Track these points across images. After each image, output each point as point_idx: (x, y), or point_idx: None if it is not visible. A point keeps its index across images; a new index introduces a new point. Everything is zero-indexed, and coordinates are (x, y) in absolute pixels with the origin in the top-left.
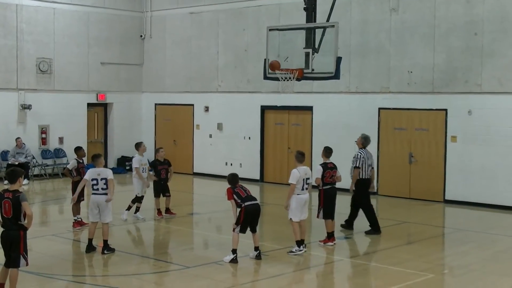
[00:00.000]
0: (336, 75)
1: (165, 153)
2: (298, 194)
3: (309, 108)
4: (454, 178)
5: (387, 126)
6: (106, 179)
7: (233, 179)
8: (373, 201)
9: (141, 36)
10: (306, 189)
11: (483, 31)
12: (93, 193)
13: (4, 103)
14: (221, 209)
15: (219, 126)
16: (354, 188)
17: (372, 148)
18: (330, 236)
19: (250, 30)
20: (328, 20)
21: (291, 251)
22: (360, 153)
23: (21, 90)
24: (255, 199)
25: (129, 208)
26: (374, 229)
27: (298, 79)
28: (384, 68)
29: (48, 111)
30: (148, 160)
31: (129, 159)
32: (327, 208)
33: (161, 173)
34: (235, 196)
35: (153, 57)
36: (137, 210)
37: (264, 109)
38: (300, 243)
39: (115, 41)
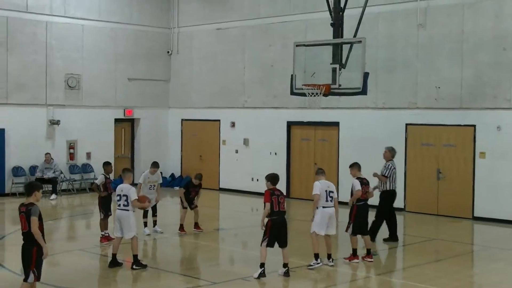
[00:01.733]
0: (363, 91)
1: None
2: (323, 207)
3: (336, 124)
4: (483, 194)
5: (414, 142)
6: (127, 196)
7: (273, 178)
8: (401, 217)
9: (168, 52)
10: (331, 201)
11: None
12: (117, 208)
13: (33, 119)
14: (248, 224)
15: (245, 142)
16: (377, 190)
17: (399, 164)
18: (355, 253)
19: (277, 46)
20: (355, 35)
21: (310, 265)
22: (391, 164)
23: (50, 105)
24: (284, 213)
25: (145, 224)
26: (392, 238)
27: (325, 95)
28: (411, 84)
29: (76, 127)
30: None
31: None
32: (357, 224)
33: (191, 194)
34: (272, 200)
35: (180, 73)
36: (145, 225)
37: (290, 124)
38: (317, 256)
39: (142, 57)
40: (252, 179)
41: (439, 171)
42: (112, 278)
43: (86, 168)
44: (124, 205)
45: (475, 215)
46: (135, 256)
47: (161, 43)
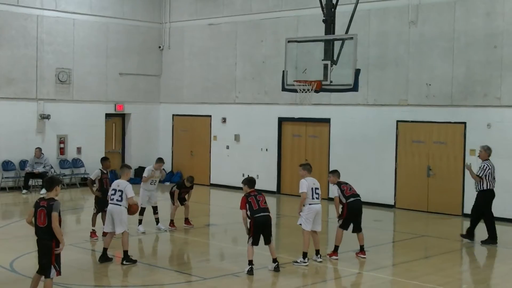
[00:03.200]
0: (354, 87)
1: (191, 184)
2: (310, 204)
3: (327, 120)
4: (473, 192)
5: (405, 139)
6: (122, 191)
7: (249, 182)
8: (391, 214)
9: (160, 47)
10: (317, 198)
11: (503, 44)
12: (109, 203)
13: (23, 113)
14: (238, 220)
15: (236, 138)
16: None
17: (389, 161)
18: (336, 250)
19: (268, 42)
20: (347, 32)
21: (296, 261)
22: (486, 164)
23: (40, 100)
24: (266, 210)
25: (140, 221)
26: (492, 238)
27: (316, 91)
28: (402, 81)
29: (66, 121)
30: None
31: None
32: (347, 219)
33: (182, 194)
34: (247, 206)
35: (171, 68)
36: (139, 222)
37: (281, 120)
38: (306, 255)
39: (134, 51)
40: (243, 175)
41: (429, 168)
42: (103, 273)
43: (77, 163)
44: (117, 200)
45: (464, 212)
46: (125, 252)
47: (153, 38)
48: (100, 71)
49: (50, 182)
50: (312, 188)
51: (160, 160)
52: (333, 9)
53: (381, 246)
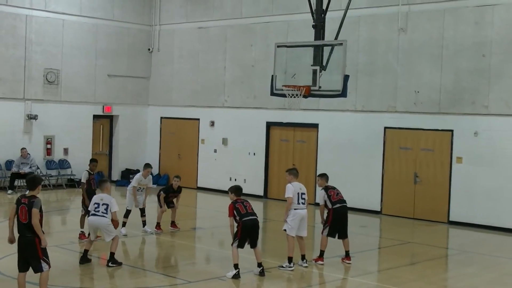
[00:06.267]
0: (343, 93)
1: (179, 181)
2: (295, 209)
3: (315, 126)
4: (459, 199)
5: (392, 146)
6: (107, 205)
7: (237, 190)
8: (377, 220)
9: (149, 49)
10: (303, 204)
11: (491, 52)
12: (92, 214)
13: (10, 113)
14: (225, 224)
15: (224, 141)
16: None
17: (377, 167)
18: (322, 255)
19: (258, 46)
20: (336, 38)
21: (282, 266)
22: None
23: (28, 100)
24: (254, 214)
25: (124, 224)
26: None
27: (305, 96)
28: (391, 88)
29: (54, 122)
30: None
31: (134, 172)
32: (333, 226)
33: (169, 198)
34: (235, 213)
35: (160, 70)
36: (123, 224)
37: (269, 125)
38: (291, 260)
39: (123, 53)
40: (230, 179)
41: (416, 175)
42: (88, 276)
43: (63, 164)
44: (103, 212)
45: (450, 219)
46: (112, 254)
47: (142, 40)
48: (89, 72)
49: (32, 181)
50: (298, 193)
51: (147, 166)
52: (323, 15)
53: (367, 252)
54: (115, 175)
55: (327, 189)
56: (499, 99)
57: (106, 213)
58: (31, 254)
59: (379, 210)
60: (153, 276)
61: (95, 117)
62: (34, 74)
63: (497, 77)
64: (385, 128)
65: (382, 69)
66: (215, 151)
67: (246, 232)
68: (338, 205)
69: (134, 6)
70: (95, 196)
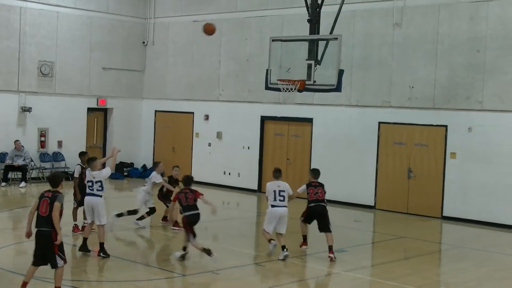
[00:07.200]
0: (337, 88)
1: (179, 171)
2: (272, 206)
3: (309, 120)
4: (453, 194)
5: (386, 141)
6: (101, 181)
7: (184, 180)
8: (371, 215)
9: (144, 42)
10: (281, 201)
11: (486, 48)
12: (87, 194)
13: (4, 105)
14: (218, 218)
15: (219, 135)
16: None
17: (371, 162)
18: (305, 240)
19: (253, 40)
20: (331, 32)
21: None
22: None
23: (22, 92)
24: (194, 208)
25: (121, 214)
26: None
27: (299, 91)
28: (385, 82)
29: (48, 114)
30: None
31: (127, 164)
32: (309, 216)
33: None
34: (178, 202)
35: (155, 64)
36: (142, 217)
37: (264, 119)
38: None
39: (117, 46)
40: (225, 173)
41: (410, 170)
42: (82, 268)
43: (57, 157)
44: (97, 190)
45: (444, 214)
46: (101, 244)
47: (137, 33)
48: (83, 65)
49: (54, 179)
50: (275, 191)
51: (158, 164)
52: (318, 9)
53: (361, 247)
54: None
55: (308, 185)
56: (493, 95)
57: (101, 190)
58: (47, 248)
59: (373, 205)
60: (148, 269)
61: (89, 110)
62: (28, 66)
63: (491, 73)
64: (380, 123)
65: (377, 64)
66: (210, 144)
67: (190, 225)
68: (313, 204)
69: None
70: (88, 174)
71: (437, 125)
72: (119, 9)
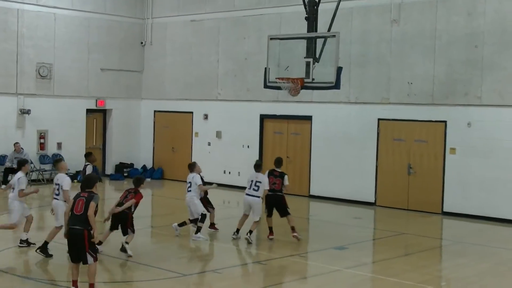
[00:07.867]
0: (336, 85)
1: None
2: (246, 194)
3: (309, 118)
4: (453, 190)
5: (386, 137)
6: (59, 185)
7: (135, 180)
8: (371, 211)
9: (142, 42)
10: (255, 190)
11: (484, 43)
12: (53, 198)
13: (3, 108)
14: (218, 217)
15: (218, 134)
16: None
17: (370, 158)
18: (271, 231)
19: (251, 39)
20: (329, 30)
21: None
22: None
23: (21, 94)
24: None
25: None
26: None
27: None
28: (384, 79)
29: (47, 116)
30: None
31: (127, 165)
32: (267, 207)
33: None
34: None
35: (153, 64)
36: (198, 230)
37: (263, 118)
38: (237, 231)
39: (115, 47)
40: (224, 172)
41: (410, 166)
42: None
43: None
44: (56, 194)
45: (444, 210)
46: (46, 243)
47: (135, 34)
48: (81, 66)
49: (88, 182)
50: (252, 181)
51: (195, 164)
52: (315, 7)
53: (361, 244)
54: (109, 169)
55: (270, 174)
56: (492, 90)
57: (58, 194)
58: (79, 246)
59: (373, 201)
60: (147, 269)
61: (88, 111)
62: (26, 68)
63: (489, 68)
64: (379, 119)
65: (375, 60)
66: (209, 144)
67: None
68: (270, 193)
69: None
70: (55, 177)
71: (436, 121)
72: (117, 9)
